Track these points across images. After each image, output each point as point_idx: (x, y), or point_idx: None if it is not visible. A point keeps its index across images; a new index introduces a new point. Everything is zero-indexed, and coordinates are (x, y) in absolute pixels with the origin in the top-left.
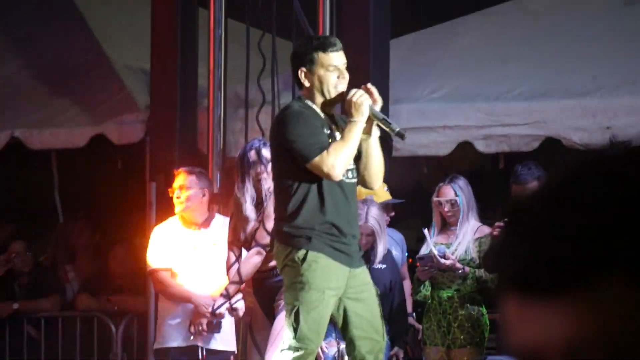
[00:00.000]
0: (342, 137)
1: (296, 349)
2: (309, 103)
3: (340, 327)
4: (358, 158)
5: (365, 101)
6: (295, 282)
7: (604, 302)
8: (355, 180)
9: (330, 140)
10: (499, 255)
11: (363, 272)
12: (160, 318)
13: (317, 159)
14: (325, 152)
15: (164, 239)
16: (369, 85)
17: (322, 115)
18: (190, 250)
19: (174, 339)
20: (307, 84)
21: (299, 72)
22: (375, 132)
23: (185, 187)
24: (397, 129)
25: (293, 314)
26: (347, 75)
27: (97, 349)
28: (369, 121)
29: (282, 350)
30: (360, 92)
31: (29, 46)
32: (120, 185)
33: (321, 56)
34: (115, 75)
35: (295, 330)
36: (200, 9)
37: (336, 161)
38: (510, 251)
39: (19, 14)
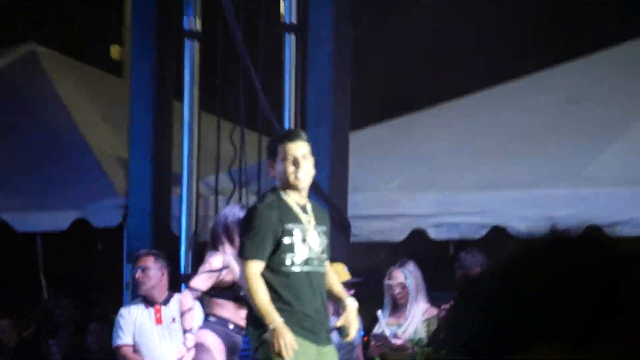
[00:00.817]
0: (259, 301)
1: None
2: (282, 195)
3: None
4: (325, 250)
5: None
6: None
7: None
8: (323, 269)
9: (288, 238)
10: (450, 326)
11: (330, 350)
12: None
13: (247, 263)
14: (254, 264)
15: (126, 318)
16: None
17: (292, 205)
18: (151, 327)
19: None
20: (272, 174)
21: (268, 163)
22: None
23: (145, 267)
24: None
25: None
26: (304, 165)
27: None
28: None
29: None
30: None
31: (14, 133)
32: (100, 265)
33: (282, 147)
34: (96, 162)
35: None
36: (175, 101)
37: (249, 289)
38: (460, 322)
39: (6, 104)
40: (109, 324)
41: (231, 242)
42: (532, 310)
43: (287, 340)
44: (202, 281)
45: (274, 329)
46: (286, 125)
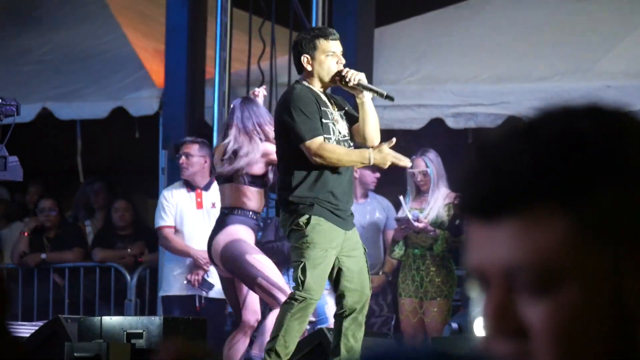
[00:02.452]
0: (348, 153)
1: (302, 299)
2: (309, 85)
3: (333, 281)
4: (354, 124)
5: (358, 76)
6: (301, 242)
7: (537, 228)
8: (351, 149)
9: (326, 120)
10: (463, 185)
11: (354, 233)
12: (166, 269)
13: (307, 142)
14: (317, 140)
15: (169, 201)
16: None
17: (321, 95)
18: (192, 210)
19: (176, 288)
20: (309, 68)
21: (302, 58)
22: (368, 95)
23: (189, 154)
24: (385, 93)
25: (300, 269)
26: (343, 61)
27: (114, 296)
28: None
29: (287, 301)
30: (352, 70)
31: (57, 30)
32: (137, 152)
33: (322, 43)
34: (134, 54)
35: (303, 282)
36: None
37: (326, 157)
38: (470, 180)
39: (49, 2)
40: (131, 203)
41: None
42: (531, 169)
43: (389, 153)
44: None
45: (375, 157)
46: (314, 21)
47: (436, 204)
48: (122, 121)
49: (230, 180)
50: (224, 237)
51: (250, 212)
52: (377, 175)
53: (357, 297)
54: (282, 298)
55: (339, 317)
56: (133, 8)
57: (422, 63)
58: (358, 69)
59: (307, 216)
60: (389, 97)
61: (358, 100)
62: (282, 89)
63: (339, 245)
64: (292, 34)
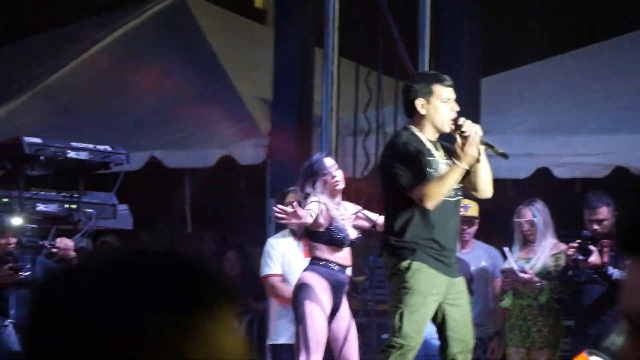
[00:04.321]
0: (442, 177)
1: (400, 346)
2: (416, 132)
3: (437, 328)
4: (466, 175)
5: (475, 127)
6: (400, 288)
7: None
8: (458, 198)
9: (430, 169)
10: (625, 227)
11: (460, 281)
12: (272, 317)
13: (414, 191)
14: (422, 184)
15: (276, 249)
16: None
17: (426, 143)
18: (299, 259)
19: (283, 336)
20: (422, 112)
21: (416, 102)
22: (482, 150)
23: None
24: (500, 150)
25: (397, 315)
26: (458, 108)
27: None
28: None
29: (384, 348)
30: (469, 121)
31: (165, 77)
32: (243, 201)
33: (438, 89)
34: (241, 104)
35: (400, 329)
36: (317, 48)
37: (431, 195)
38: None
39: (157, 49)
40: (244, 254)
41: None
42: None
43: (465, 145)
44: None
45: (459, 160)
46: (421, 70)
47: (543, 254)
48: (229, 170)
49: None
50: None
51: (323, 262)
52: (475, 227)
53: (460, 346)
54: (302, 357)
55: None
56: (240, 56)
57: (529, 113)
58: (465, 117)
59: (408, 261)
60: (503, 155)
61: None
62: (387, 138)
63: (441, 292)
64: (397, 84)
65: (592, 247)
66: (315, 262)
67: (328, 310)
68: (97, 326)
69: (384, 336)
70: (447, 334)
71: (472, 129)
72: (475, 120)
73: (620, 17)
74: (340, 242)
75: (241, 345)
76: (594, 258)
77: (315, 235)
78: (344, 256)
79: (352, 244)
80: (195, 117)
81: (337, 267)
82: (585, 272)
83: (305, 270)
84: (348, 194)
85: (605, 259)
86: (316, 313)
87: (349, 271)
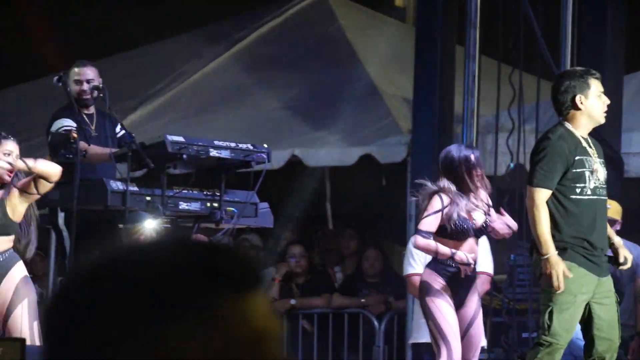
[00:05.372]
0: (541, 229)
1: (549, 344)
2: (571, 128)
3: (583, 327)
4: (606, 181)
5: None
6: (551, 286)
7: None
8: (606, 197)
9: (581, 169)
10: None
11: (608, 280)
12: (416, 316)
13: (536, 190)
14: (543, 191)
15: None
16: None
17: (581, 139)
18: None
19: (425, 335)
20: (582, 108)
21: (576, 98)
22: None
23: None
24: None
25: (547, 313)
26: (608, 101)
27: (362, 342)
28: None
29: (533, 346)
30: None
31: (307, 75)
32: (383, 199)
33: (594, 83)
34: (382, 102)
35: (549, 327)
36: (458, 46)
37: (534, 213)
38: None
39: (298, 45)
40: (384, 252)
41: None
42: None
43: (561, 270)
44: (429, 224)
45: (547, 258)
46: (563, 68)
47: None
48: (370, 168)
49: None
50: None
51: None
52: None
53: (606, 346)
54: (443, 349)
55: None
56: (381, 55)
57: None
58: (607, 115)
59: None
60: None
61: None
62: (529, 135)
63: (590, 291)
64: (539, 81)
65: None
66: (433, 261)
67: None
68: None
69: (525, 334)
70: (593, 333)
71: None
72: (617, 117)
73: None
74: (464, 234)
75: (273, 323)
76: None
77: (439, 231)
78: (468, 249)
79: (480, 232)
80: (336, 115)
81: (454, 265)
82: None
83: (425, 268)
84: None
85: None
86: (442, 305)
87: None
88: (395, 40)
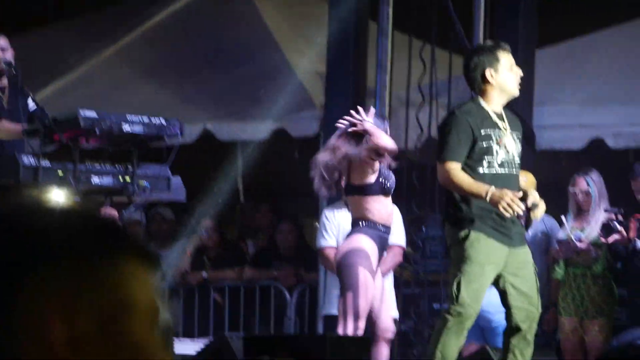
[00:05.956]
0: (469, 185)
1: (457, 314)
2: (482, 103)
3: (500, 298)
4: (519, 155)
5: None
6: (459, 257)
7: None
8: (517, 172)
9: (487, 142)
10: None
11: (523, 250)
12: (328, 288)
13: (445, 164)
14: (453, 164)
15: (331, 221)
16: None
17: (492, 114)
18: None
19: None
20: (492, 82)
21: (486, 72)
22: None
23: None
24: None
25: (455, 283)
26: (521, 73)
27: (273, 314)
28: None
29: (443, 316)
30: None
31: (221, 52)
32: (296, 173)
33: (504, 55)
34: (295, 76)
35: (457, 297)
36: (370, 22)
37: (452, 183)
38: None
39: (212, 25)
40: (298, 225)
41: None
42: None
43: (509, 196)
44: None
45: (492, 195)
46: (475, 43)
47: (597, 223)
48: (283, 142)
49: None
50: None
51: (372, 223)
52: None
53: (523, 315)
54: (349, 326)
55: (507, 334)
56: (294, 31)
57: (583, 83)
58: (520, 89)
59: (466, 231)
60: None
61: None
62: (441, 109)
63: (499, 262)
64: (452, 56)
65: (617, 225)
66: (363, 224)
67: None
68: None
69: (436, 305)
70: (510, 303)
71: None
72: (529, 92)
73: None
74: (389, 190)
75: (152, 299)
76: (618, 236)
77: (366, 188)
78: (388, 213)
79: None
80: (248, 90)
81: (383, 228)
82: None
83: (352, 232)
84: (401, 166)
85: (632, 234)
86: (368, 280)
87: (392, 239)
88: (308, 16)
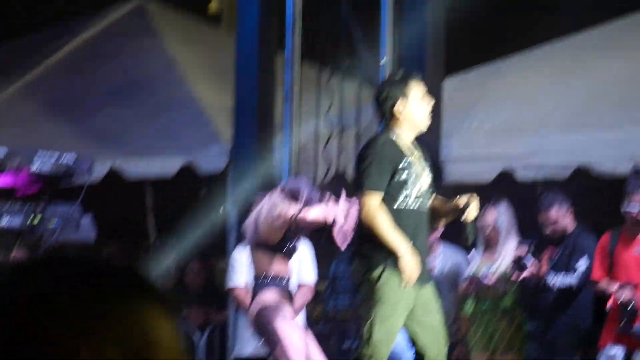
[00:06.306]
0: (389, 234)
1: (369, 357)
2: (395, 135)
3: (410, 336)
4: (431, 187)
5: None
6: (371, 296)
7: None
8: (428, 206)
9: (406, 176)
10: None
11: (430, 287)
12: (237, 329)
13: (367, 194)
14: (375, 196)
15: (240, 261)
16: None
17: (405, 146)
18: None
19: (248, 348)
20: (402, 114)
21: (396, 104)
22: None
23: None
24: (472, 239)
25: (367, 324)
26: (432, 102)
27: None
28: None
29: (356, 358)
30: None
31: (125, 86)
32: (204, 210)
33: (413, 87)
34: (201, 111)
35: (369, 339)
36: (279, 53)
37: (373, 223)
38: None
39: (116, 56)
40: (207, 263)
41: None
42: None
43: (416, 273)
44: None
45: (406, 259)
46: (383, 74)
47: (507, 257)
48: (191, 178)
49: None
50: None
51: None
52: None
53: (435, 352)
54: None
55: None
56: (201, 64)
57: (491, 112)
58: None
59: (379, 269)
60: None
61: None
62: (350, 140)
63: (410, 301)
64: (360, 87)
65: (528, 262)
66: (267, 279)
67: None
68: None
69: (347, 343)
70: (419, 341)
71: (473, 216)
72: (437, 122)
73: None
74: (293, 252)
75: (175, 340)
76: (529, 273)
77: (272, 247)
78: (289, 267)
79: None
80: (154, 125)
81: (284, 281)
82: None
83: (257, 289)
84: None
85: (544, 269)
86: (289, 329)
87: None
88: (214, 48)
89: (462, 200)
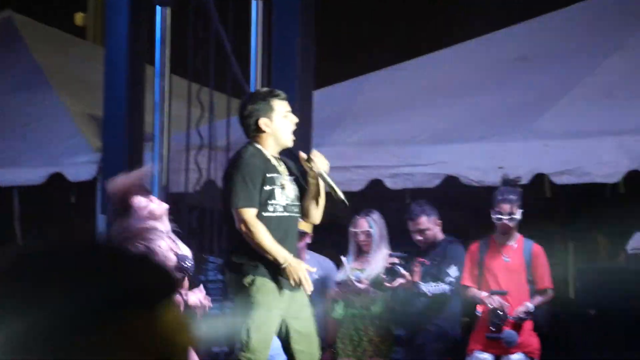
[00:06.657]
0: (270, 246)
1: None
2: (260, 148)
3: (282, 343)
4: (303, 197)
5: (325, 166)
6: (246, 303)
7: None
8: (298, 215)
9: (271, 186)
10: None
11: (301, 293)
12: None
13: (242, 211)
14: (250, 211)
15: None
16: (316, 152)
17: (271, 158)
18: None
19: None
20: (267, 130)
21: (260, 121)
22: (323, 186)
23: None
24: (342, 198)
25: (244, 330)
26: (296, 119)
27: None
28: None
29: None
30: (323, 158)
31: None
32: (73, 218)
33: (277, 104)
34: (70, 120)
35: (247, 344)
36: (148, 65)
37: (252, 236)
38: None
39: None
40: None
41: None
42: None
43: (303, 273)
44: None
45: (289, 266)
46: (253, 86)
47: (377, 264)
48: (59, 187)
49: None
50: None
51: None
52: (308, 241)
53: (307, 358)
54: None
55: None
56: (68, 73)
57: (361, 124)
58: (297, 131)
59: (251, 277)
60: (342, 202)
61: (311, 179)
62: (220, 152)
63: (284, 306)
64: (229, 99)
65: (401, 269)
66: None
67: None
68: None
69: (215, 349)
70: (292, 347)
71: (322, 167)
72: (307, 133)
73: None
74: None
75: (188, 331)
76: (403, 280)
77: None
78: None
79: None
80: (23, 134)
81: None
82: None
83: None
84: (181, 210)
85: (416, 278)
86: None
87: None
88: (83, 59)
89: (303, 154)
